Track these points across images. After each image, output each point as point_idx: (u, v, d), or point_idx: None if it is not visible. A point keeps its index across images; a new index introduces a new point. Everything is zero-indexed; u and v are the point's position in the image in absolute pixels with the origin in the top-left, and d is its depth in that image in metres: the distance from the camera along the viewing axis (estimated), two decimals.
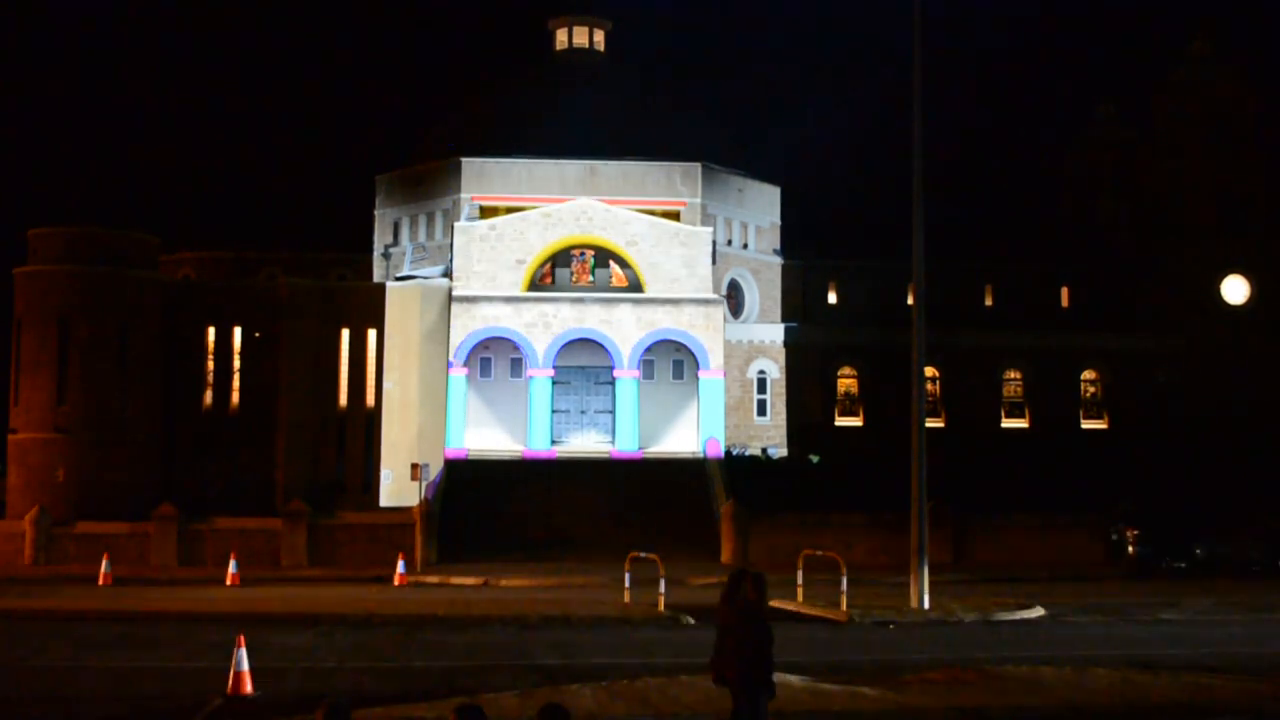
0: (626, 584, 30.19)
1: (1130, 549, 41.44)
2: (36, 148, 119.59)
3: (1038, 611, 28.64)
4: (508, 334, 53.98)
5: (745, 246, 62.75)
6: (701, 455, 52.86)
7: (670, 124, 63.36)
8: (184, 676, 20.00)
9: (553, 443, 54.38)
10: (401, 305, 54.50)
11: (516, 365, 55.84)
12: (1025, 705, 17.21)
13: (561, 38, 68.50)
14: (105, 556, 39.66)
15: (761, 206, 63.74)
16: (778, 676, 13.08)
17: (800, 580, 30.66)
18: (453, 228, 56.50)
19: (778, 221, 64.27)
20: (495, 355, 56.09)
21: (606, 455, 53.81)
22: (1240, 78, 67.12)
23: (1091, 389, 64.03)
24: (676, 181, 59.62)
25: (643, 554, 30.84)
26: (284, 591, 34.26)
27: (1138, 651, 22.31)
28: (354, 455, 54.35)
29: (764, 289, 62.69)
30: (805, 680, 18.17)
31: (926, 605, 28.43)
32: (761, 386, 60.36)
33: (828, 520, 45.02)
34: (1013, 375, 63.45)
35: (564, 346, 54.08)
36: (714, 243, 56.65)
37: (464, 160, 59.43)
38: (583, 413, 56.54)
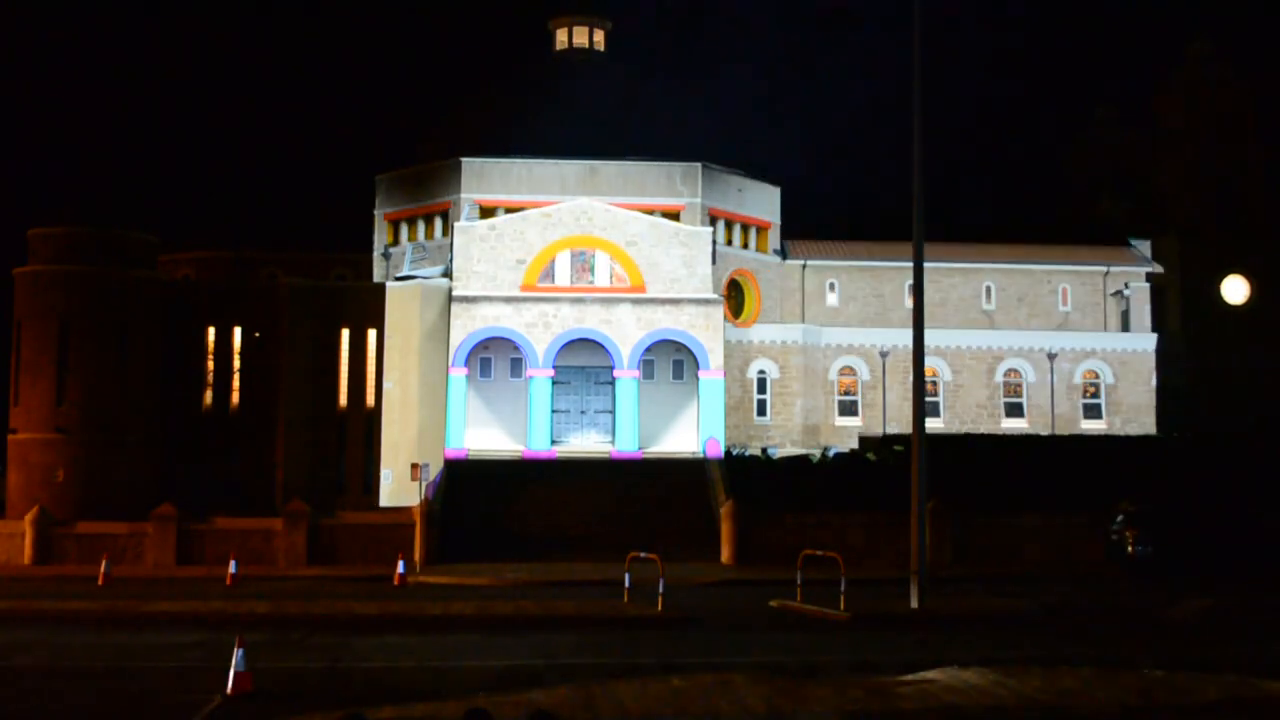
0: (626, 584, 30.21)
1: (1130, 549, 41.40)
2: (36, 148, 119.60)
3: (1036, 611, 28.63)
4: (508, 334, 54.00)
5: (745, 246, 62.76)
6: (701, 455, 52.85)
7: (670, 124, 63.36)
8: (184, 676, 19.97)
9: (553, 443, 54.39)
10: (401, 305, 54.52)
11: (516, 365, 55.88)
12: (1026, 705, 17.20)
13: (561, 38, 68.54)
14: (105, 557, 39.87)
15: (761, 206, 63.74)
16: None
17: (800, 580, 30.68)
18: (453, 228, 56.52)
19: (778, 221, 64.27)
20: (495, 355, 56.12)
21: (606, 455, 53.81)
22: (1240, 78, 67.11)
23: (1091, 389, 64.07)
24: (676, 181, 59.66)
25: (643, 554, 30.96)
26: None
27: (1130, 652, 22.29)
28: (354, 455, 54.36)
29: (764, 289, 62.67)
30: (804, 680, 18.16)
31: (926, 605, 28.44)
32: (761, 386, 60.38)
33: (828, 520, 45.01)
34: (1013, 375, 63.50)
35: (564, 346, 54.11)
36: (714, 243, 56.67)
37: (464, 160, 59.49)
38: (583, 413, 56.56)
